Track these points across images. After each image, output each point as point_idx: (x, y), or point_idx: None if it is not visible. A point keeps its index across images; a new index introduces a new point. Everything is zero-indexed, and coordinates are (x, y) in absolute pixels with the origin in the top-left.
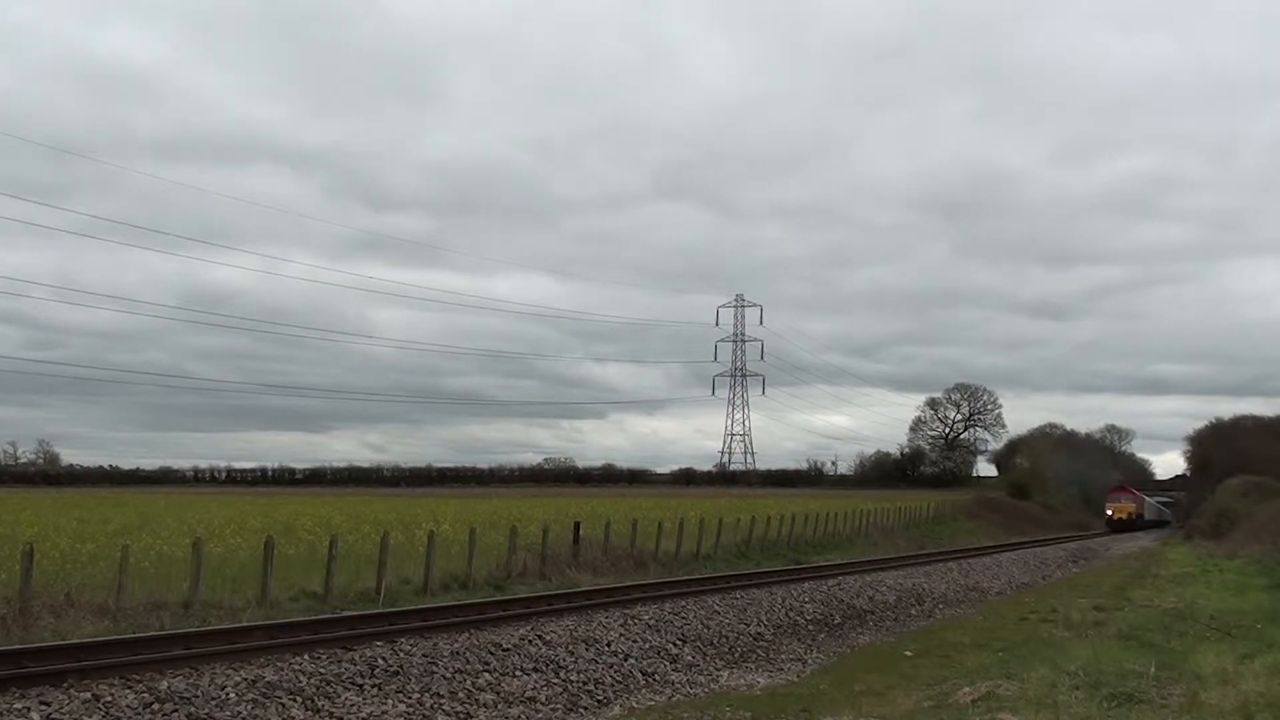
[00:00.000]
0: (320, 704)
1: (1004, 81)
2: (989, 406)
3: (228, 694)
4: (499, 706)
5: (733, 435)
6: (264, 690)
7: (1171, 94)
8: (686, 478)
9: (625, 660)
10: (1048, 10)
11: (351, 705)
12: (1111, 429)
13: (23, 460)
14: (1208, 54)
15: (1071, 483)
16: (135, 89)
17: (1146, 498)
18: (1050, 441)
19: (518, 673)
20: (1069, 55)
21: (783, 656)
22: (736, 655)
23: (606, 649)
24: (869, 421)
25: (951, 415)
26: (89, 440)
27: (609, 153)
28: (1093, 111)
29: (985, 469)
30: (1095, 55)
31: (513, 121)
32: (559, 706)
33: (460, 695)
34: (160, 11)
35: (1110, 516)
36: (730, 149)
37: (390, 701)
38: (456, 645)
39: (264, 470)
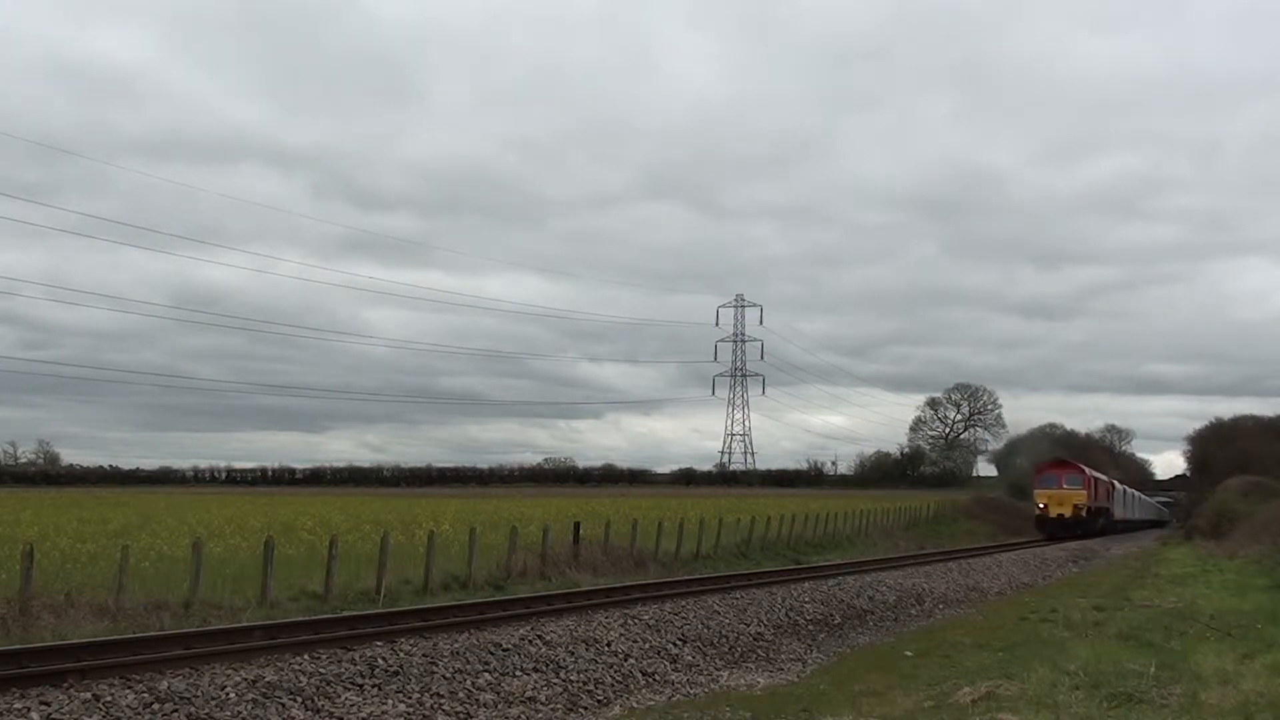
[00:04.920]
0: (320, 704)
1: (986, 82)
2: (989, 406)
3: (228, 694)
4: (499, 706)
5: (733, 435)
6: (264, 690)
7: (1154, 94)
8: (686, 478)
9: (625, 660)
10: (1027, 10)
11: (351, 705)
12: (1111, 429)
13: (23, 460)
14: (1188, 54)
15: None
16: (119, 89)
17: (1117, 484)
18: (1049, 441)
19: (518, 673)
20: (1050, 55)
21: (783, 656)
22: (736, 655)
23: (606, 649)
24: (865, 421)
25: (951, 415)
26: (87, 440)
27: (593, 153)
28: (1075, 111)
29: (985, 469)
30: (1076, 55)
31: (496, 121)
32: (559, 706)
33: (460, 695)
34: (143, 11)
35: (1041, 512)
36: (715, 149)
37: (390, 701)
38: (456, 645)
39: (264, 470)
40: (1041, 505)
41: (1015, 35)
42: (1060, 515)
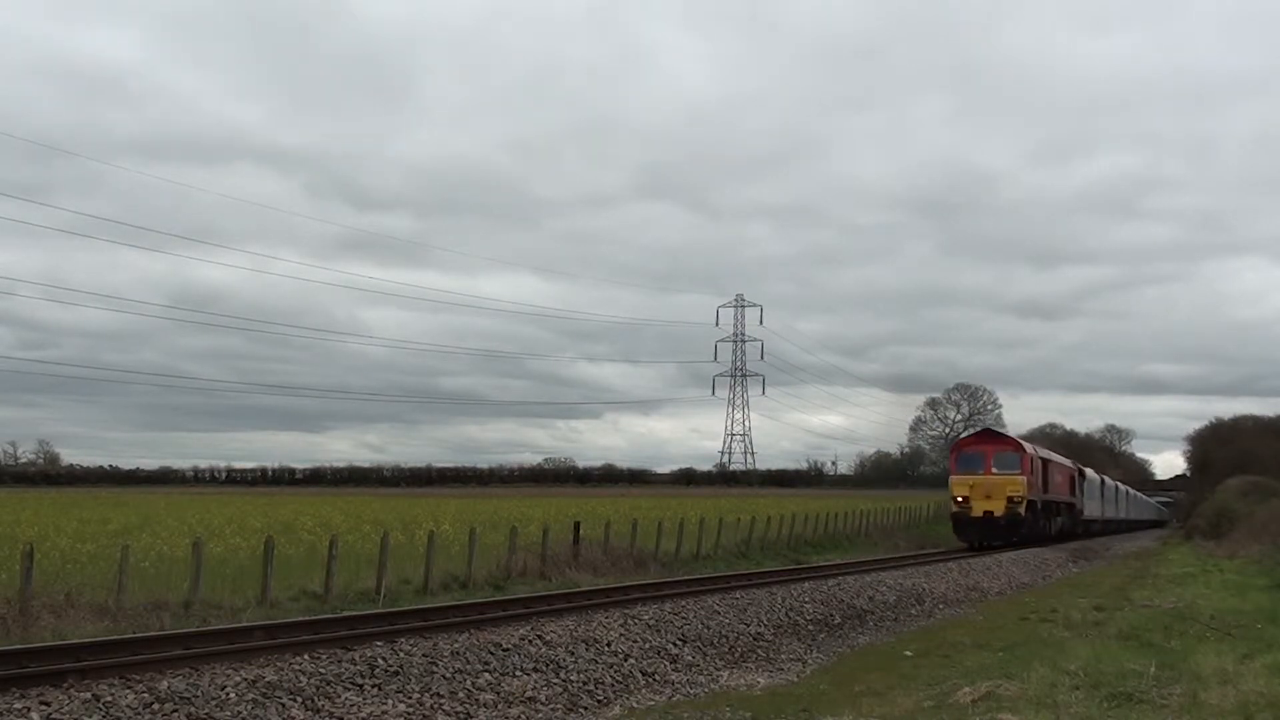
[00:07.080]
0: (320, 704)
1: (981, 82)
2: (989, 407)
3: (228, 694)
4: (499, 706)
5: (732, 435)
6: (264, 690)
7: (1149, 94)
8: (687, 478)
9: (625, 660)
10: (1022, 10)
11: (351, 705)
12: (1111, 429)
13: (23, 460)
14: (1184, 54)
15: None
16: (115, 89)
17: (1088, 471)
18: (1050, 442)
19: (518, 673)
20: (1045, 55)
21: (783, 656)
22: (736, 655)
23: (606, 649)
24: (864, 421)
25: (951, 415)
26: (87, 440)
27: (588, 153)
28: (1071, 111)
29: None
30: (1071, 55)
31: (492, 121)
32: (559, 706)
33: (460, 695)
34: (138, 11)
35: (959, 508)
36: (710, 149)
37: (390, 701)
38: (456, 645)
39: (264, 470)
40: (960, 499)
41: (1010, 35)
42: (988, 513)
